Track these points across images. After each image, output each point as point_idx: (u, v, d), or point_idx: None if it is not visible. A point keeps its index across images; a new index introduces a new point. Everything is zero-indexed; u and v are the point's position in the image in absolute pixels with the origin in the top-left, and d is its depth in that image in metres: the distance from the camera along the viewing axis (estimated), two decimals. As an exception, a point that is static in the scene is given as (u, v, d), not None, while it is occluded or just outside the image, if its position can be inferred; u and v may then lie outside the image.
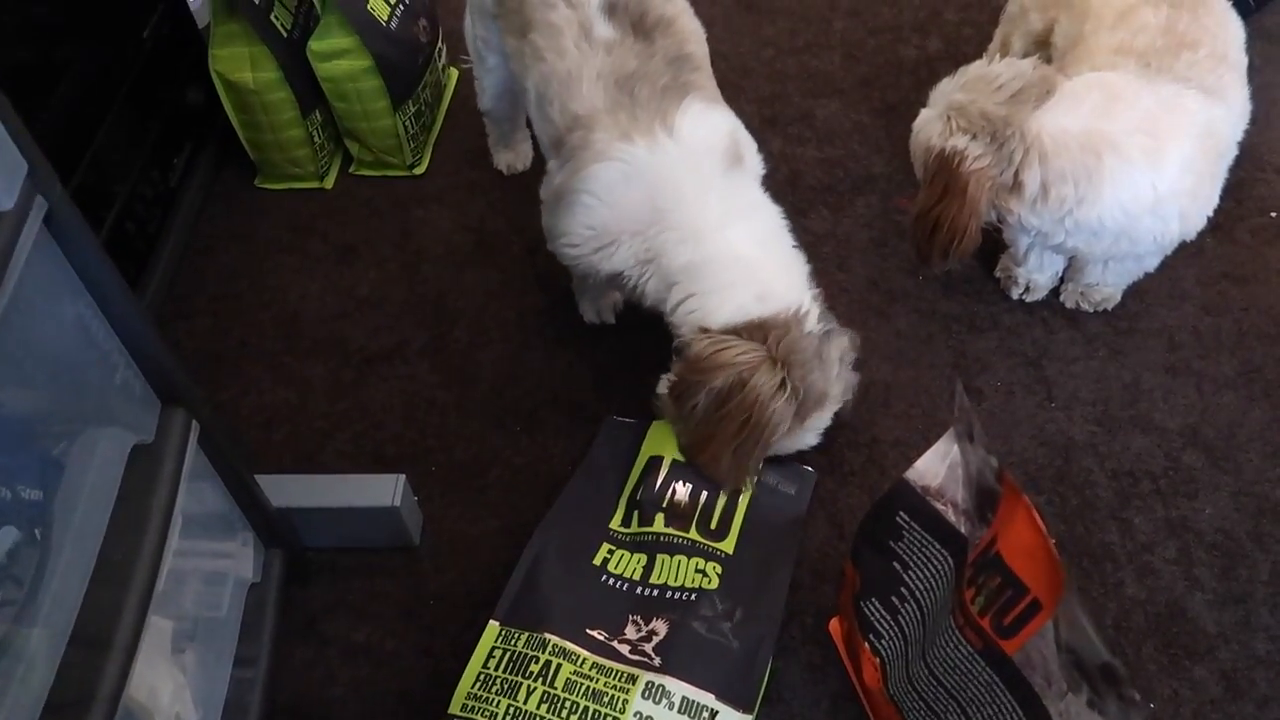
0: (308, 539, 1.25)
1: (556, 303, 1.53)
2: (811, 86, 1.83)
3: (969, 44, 1.87)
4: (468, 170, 1.73)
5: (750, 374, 1.11)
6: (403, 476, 1.23)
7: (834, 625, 1.18)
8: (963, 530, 0.91)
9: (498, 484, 1.35)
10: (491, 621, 1.12)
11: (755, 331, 1.13)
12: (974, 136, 1.22)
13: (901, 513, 0.95)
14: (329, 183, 1.72)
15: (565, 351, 1.47)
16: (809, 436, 1.24)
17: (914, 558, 0.96)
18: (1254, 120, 1.34)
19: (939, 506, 0.93)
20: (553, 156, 1.27)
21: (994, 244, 1.49)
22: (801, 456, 1.35)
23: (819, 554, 1.26)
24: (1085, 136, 1.19)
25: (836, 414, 1.26)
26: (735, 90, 1.82)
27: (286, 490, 1.20)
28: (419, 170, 1.73)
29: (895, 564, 0.97)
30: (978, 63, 1.30)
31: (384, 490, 1.21)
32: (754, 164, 1.26)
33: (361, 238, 1.64)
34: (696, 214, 1.16)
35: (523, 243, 1.61)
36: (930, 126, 1.27)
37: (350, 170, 1.74)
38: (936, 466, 0.93)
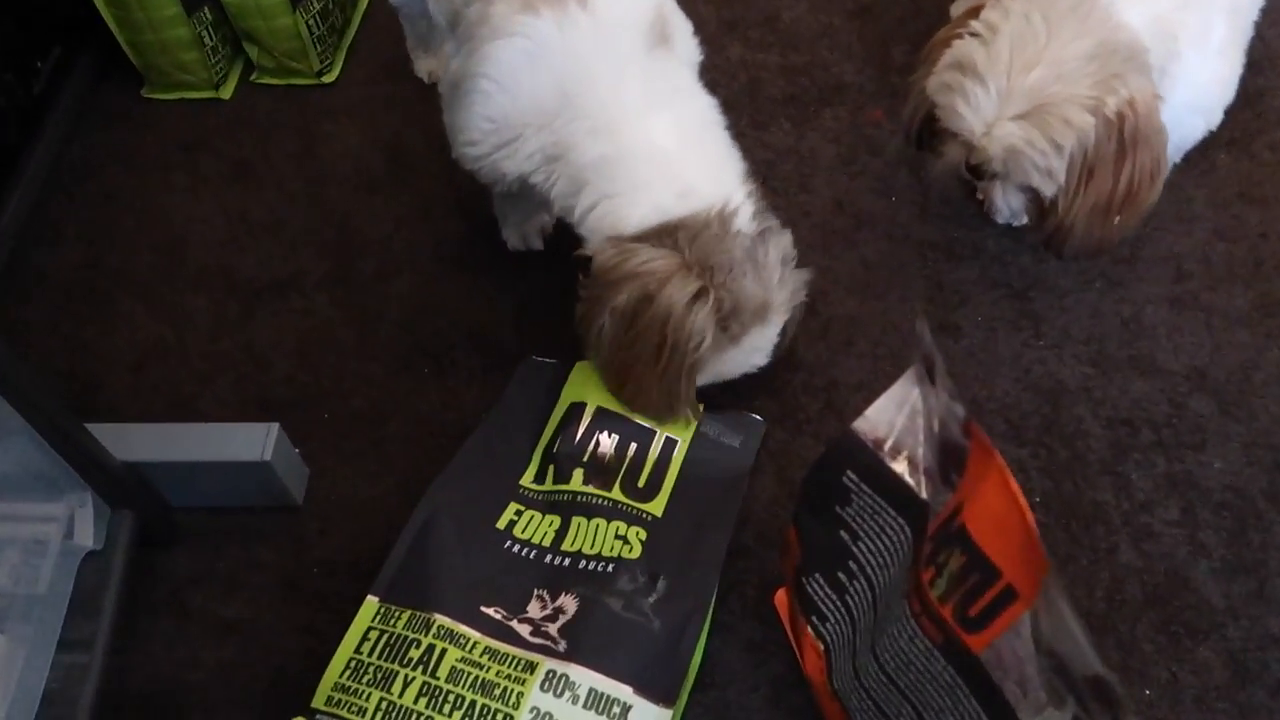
0: (175, 498, 1.08)
1: (478, 229, 1.33)
2: (777, -14, 1.61)
3: (956, -62, 1.65)
4: (385, 81, 1.52)
5: (659, 285, 0.93)
6: (276, 426, 1.04)
7: (779, 597, 1.01)
8: (923, 494, 0.74)
9: (399, 435, 1.17)
10: (369, 597, 0.95)
11: (669, 235, 0.95)
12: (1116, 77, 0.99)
13: (849, 472, 0.78)
14: (226, 92, 1.51)
15: (485, 284, 1.29)
16: (754, 357, 1.05)
17: (864, 526, 0.78)
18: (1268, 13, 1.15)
19: (894, 465, 0.75)
20: (450, 39, 1.08)
21: (978, 161, 1.30)
22: (749, 402, 1.17)
23: (766, 514, 1.09)
24: (1158, 19, 1.01)
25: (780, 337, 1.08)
26: (692, -10, 1.61)
27: (140, 442, 1.02)
28: (329, 79, 1.52)
29: (842, 533, 0.80)
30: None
31: (253, 442, 1.03)
32: (686, 48, 1.06)
33: (260, 154, 1.44)
34: (611, 100, 0.97)
35: (442, 162, 1.40)
36: (1066, 114, 0.97)
37: (251, 79, 1.53)
38: (891, 415, 0.75)
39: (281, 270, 1.31)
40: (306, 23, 1.44)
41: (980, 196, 1.32)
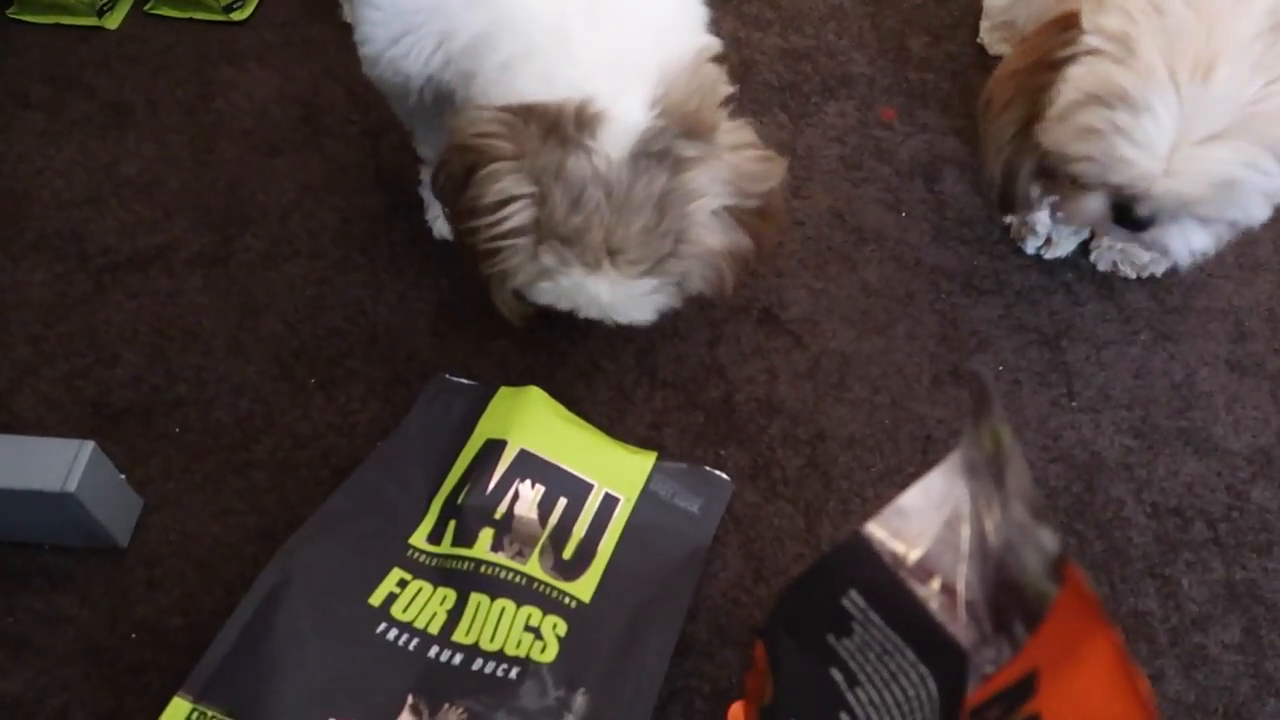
0: (-43, 527, 0.82)
1: (397, 208, 1.09)
2: (781, -42, 1.38)
3: (988, -77, 1.43)
4: (308, 24, 1.27)
5: (485, 162, 0.72)
6: (90, 445, 0.79)
7: (734, 712, 0.78)
8: (961, 638, 0.51)
9: (268, 461, 0.92)
10: (177, 696, 0.70)
11: (515, 119, 0.72)
12: None
13: (854, 591, 0.54)
14: (113, 21, 1.25)
15: (399, 277, 1.04)
16: (590, 306, 0.78)
17: (868, 669, 0.55)
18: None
19: (920, 591, 0.52)
20: None
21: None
22: (713, 450, 0.93)
23: (725, 599, 0.86)
24: None
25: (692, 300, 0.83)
26: (681, -47, 1.37)
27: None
28: (240, 16, 1.26)
29: (835, 672, 0.57)
30: None
31: (55, 464, 0.77)
32: None
33: (143, 98, 1.18)
34: None
35: (364, 124, 1.16)
36: None
37: (146, 8, 1.26)
38: (923, 519, 0.52)
39: (148, 241, 1.05)
40: (213, -56, 1.19)
41: (1009, 220, 1.10)
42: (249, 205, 1.09)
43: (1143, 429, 0.97)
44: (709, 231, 0.76)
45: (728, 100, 0.80)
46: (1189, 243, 0.81)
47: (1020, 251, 1.09)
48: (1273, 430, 0.98)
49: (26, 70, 1.20)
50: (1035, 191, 0.93)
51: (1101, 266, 1.08)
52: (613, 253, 0.74)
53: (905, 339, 1.03)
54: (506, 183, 0.72)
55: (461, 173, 0.75)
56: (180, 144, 1.14)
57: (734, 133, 0.77)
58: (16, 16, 1.24)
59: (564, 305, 0.79)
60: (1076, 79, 0.75)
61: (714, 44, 0.79)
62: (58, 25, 1.24)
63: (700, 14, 0.81)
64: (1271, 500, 0.93)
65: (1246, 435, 0.97)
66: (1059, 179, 0.83)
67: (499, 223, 0.73)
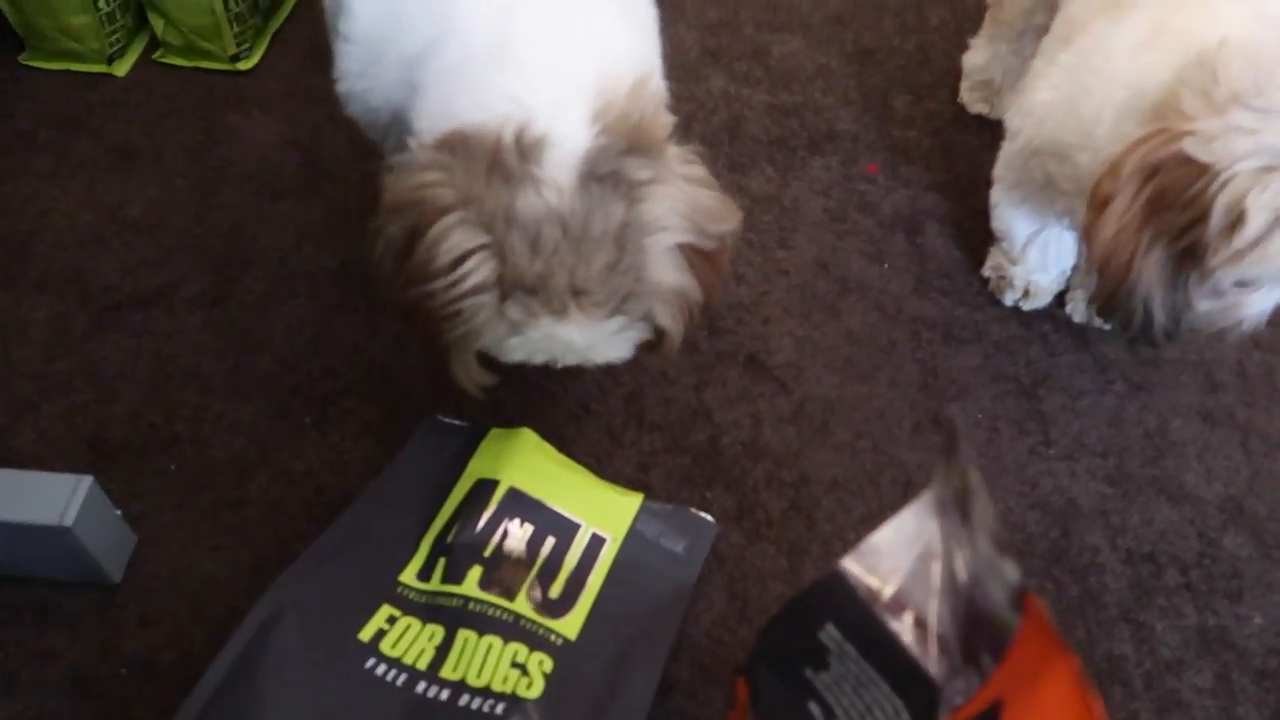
0: (-48, 559, 0.83)
1: (395, 252, 1.11)
2: (770, 18, 1.44)
3: (969, -13, 1.49)
4: (312, 73, 1.31)
5: (430, 218, 0.67)
6: (89, 480, 0.81)
7: (718, 751, 0.79)
8: (933, 670, 0.53)
9: (262, 499, 0.93)
10: (168, 730, 0.71)
11: (454, 151, 0.68)
12: None
13: (831, 626, 0.56)
14: (122, 68, 1.29)
15: (394, 319, 1.06)
16: (559, 356, 0.74)
17: (844, 702, 0.57)
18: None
19: (894, 625, 0.54)
20: None
21: (983, 232, 1.12)
22: (698, 491, 0.95)
23: (709, 639, 0.87)
24: None
25: (649, 349, 0.78)
26: (674, 11, 1.42)
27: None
28: (246, 65, 1.30)
29: (813, 706, 0.58)
30: None
31: (53, 499, 0.79)
32: None
33: (148, 143, 1.21)
34: None
35: (364, 170, 1.19)
36: None
37: (155, 56, 1.30)
38: (897, 556, 0.54)
39: (149, 281, 1.08)
40: (223, -3, 1.23)
41: (987, 273, 1.13)
42: (249, 248, 1.12)
43: (1117, 477, 1.00)
44: (668, 269, 0.71)
45: (673, 132, 0.75)
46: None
47: (999, 303, 1.12)
48: (1243, 479, 1.00)
49: (36, 114, 1.23)
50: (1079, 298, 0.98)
51: (1077, 318, 1.11)
52: (577, 294, 0.68)
53: (887, 386, 1.05)
54: (459, 237, 0.66)
55: (403, 237, 0.69)
56: (184, 187, 1.17)
57: (686, 163, 0.73)
58: (28, 62, 1.28)
59: (539, 359, 0.75)
60: (1264, 202, 0.73)
61: (657, 72, 0.77)
62: (68, 71, 1.28)
63: (652, 48, 0.79)
64: (1242, 547, 0.96)
65: (1218, 484, 1.00)
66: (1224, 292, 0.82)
67: (457, 282, 0.67)
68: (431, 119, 0.70)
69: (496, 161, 0.66)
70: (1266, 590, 0.93)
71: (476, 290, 0.67)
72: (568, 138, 0.67)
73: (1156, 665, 0.88)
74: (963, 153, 1.28)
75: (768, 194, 1.22)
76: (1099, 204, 0.81)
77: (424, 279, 0.68)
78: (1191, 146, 0.75)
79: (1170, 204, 0.77)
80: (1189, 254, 0.79)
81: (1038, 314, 1.12)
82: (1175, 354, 1.09)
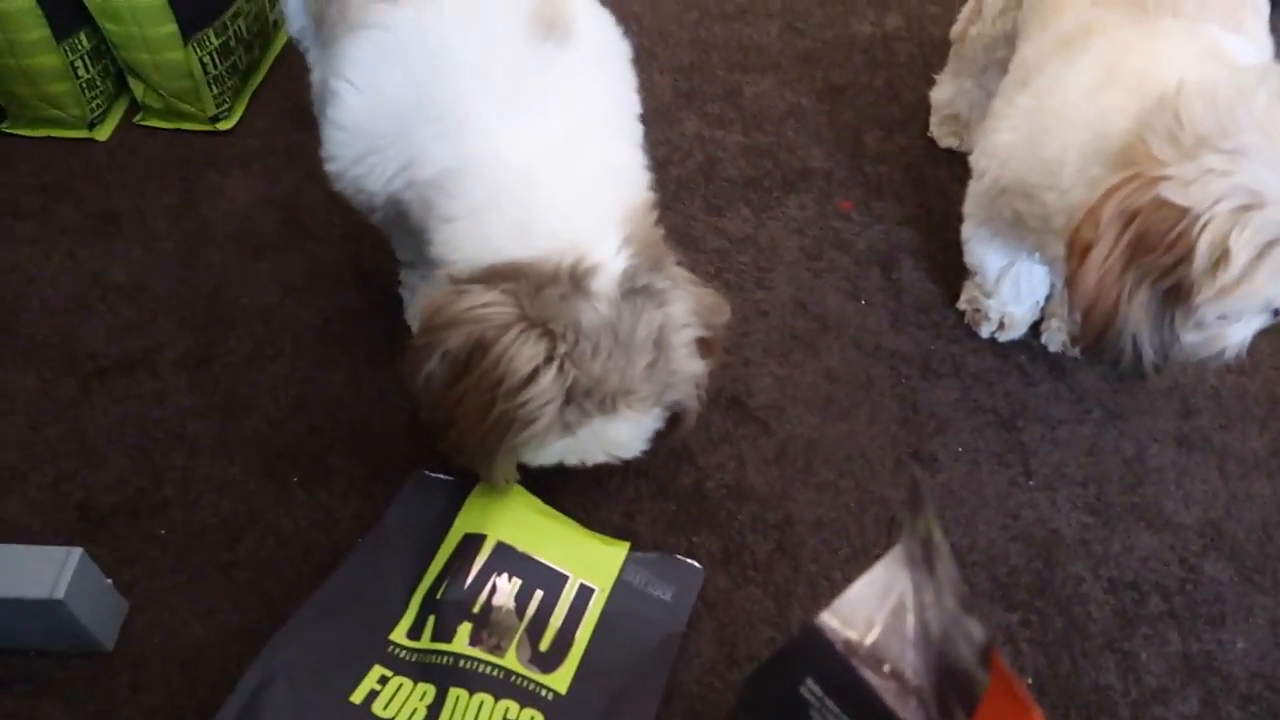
0: (-58, 634, 0.84)
1: (376, 306, 1.13)
2: (742, 60, 1.47)
3: (935, 23, 1.52)
4: (290, 131, 1.33)
5: (496, 333, 0.73)
6: (78, 552, 0.81)
7: (712, 799, 0.79)
8: (911, 722, 0.54)
9: (251, 560, 0.94)
10: (162, 801, 0.71)
11: (505, 281, 0.75)
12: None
13: (810, 680, 0.57)
14: (104, 133, 1.30)
15: (379, 375, 1.08)
16: (600, 454, 0.82)
17: (828, 755, 0.57)
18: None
19: (872, 678, 0.55)
20: (315, 47, 0.93)
21: (957, 265, 1.14)
22: (685, 537, 0.96)
23: (699, 685, 0.88)
24: None
25: (667, 431, 0.86)
26: (648, 57, 1.45)
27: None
28: (225, 125, 1.32)
29: (798, 758, 0.59)
30: None
31: (43, 572, 0.79)
32: (592, 41, 0.84)
33: (131, 206, 1.23)
34: (464, 95, 0.78)
35: (345, 226, 1.21)
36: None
37: (136, 120, 1.32)
38: (871, 609, 0.55)
39: (134, 345, 1.09)
40: (201, 59, 1.25)
41: (963, 306, 1.15)
42: (233, 307, 1.13)
43: (1097, 505, 1.01)
44: (690, 359, 0.81)
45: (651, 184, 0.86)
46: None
47: (975, 335, 1.14)
48: (1221, 503, 1.02)
49: (19, 181, 1.25)
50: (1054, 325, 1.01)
51: (1053, 348, 1.13)
52: (626, 393, 0.77)
53: (868, 423, 1.07)
54: (531, 349, 0.73)
55: (469, 346, 0.74)
56: (167, 250, 1.19)
57: (681, 268, 0.83)
58: (10, 130, 1.30)
59: (572, 460, 0.82)
60: (1245, 240, 0.76)
61: (648, 188, 0.85)
62: (49, 137, 1.30)
63: (641, 161, 0.85)
64: (1223, 572, 0.97)
65: (1196, 509, 1.01)
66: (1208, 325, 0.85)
67: (529, 390, 0.73)
68: (469, 252, 0.77)
69: (555, 286, 0.74)
70: (1248, 614, 0.94)
71: (547, 397, 0.74)
72: (608, 263, 0.76)
73: (1143, 694, 0.89)
74: (934, 186, 1.30)
75: (744, 234, 1.24)
76: (1080, 251, 0.83)
77: (491, 388, 0.74)
78: (1168, 191, 0.78)
79: (1152, 247, 0.80)
80: (1174, 292, 0.82)
81: (1014, 345, 1.14)
82: (1151, 382, 1.11)
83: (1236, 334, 0.90)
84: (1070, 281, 0.85)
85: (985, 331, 1.13)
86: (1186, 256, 0.78)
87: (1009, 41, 1.17)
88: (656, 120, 1.36)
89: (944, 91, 1.32)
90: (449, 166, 0.78)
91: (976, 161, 1.01)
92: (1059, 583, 0.96)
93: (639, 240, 0.77)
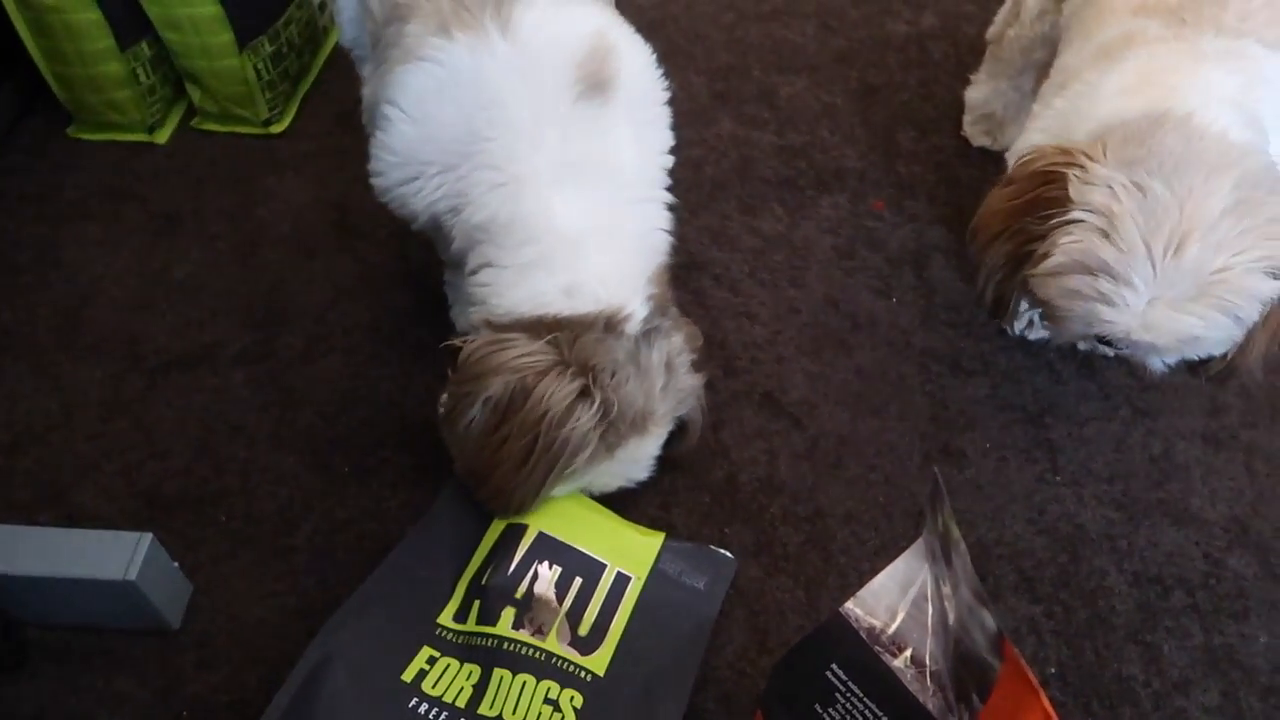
0: (23, 612, 0.90)
1: (424, 305, 1.18)
2: (777, 60, 1.49)
3: (970, 22, 1.54)
4: (340, 134, 1.38)
5: (537, 378, 0.82)
6: (149, 537, 0.87)
7: (743, 778, 0.83)
8: (930, 706, 0.57)
9: (307, 547, 0.99)
10: (230, 770, 0.77)
11: (545, 330, 0.84)
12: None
13: (835, 665, 0.61)
14: (163, 136, 1.37)
15: (427, 370, 1.12)
16: (631, 470, 0.93)
17: (851, 735, 0.61)
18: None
19: (894, 663, 0.58)
20: (370, 60, 0.98)
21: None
22: (718, 530, 1.00)
23: (732, 670, 0.92)
24: (1242, 110, 0.88)
25: (675, 438, 0.96)
26: (685, 59, 1.49)
27: (-21, 547, 0.85)
28: (278, 129, 1.37)
29: (823, 738, 0.63)
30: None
31: (117, 556, 0.85)
32: (636, 89, 0.90)
33: (191, 207, 1.29)
34: (524, 153, 0.85)
35: (392, 227, 1.26)
36: (1244, 285, 0.81)
37: (192, 124, 1.38)
38: (893, 598, 0.59)
39: (195, 341, 1.15)
40: (255, 66, 1.30)
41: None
42: (288, 305, 1.18)
43: (1123, 501, 1.03)
44: (690, 376, 0.92)
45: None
46: (1166, 363, 0.90)
47: (1004, 333, 1.16)
48: (1247, 500, 1.03)
49: (85, 184, 1.31)
50: (1024, 306, 1.04)
51: (1082, 346, 1.15)
52: (650, 413, 0.87)
53: (898, 419, 1.10)
54: (569, 384, 0.82)
55: (512, 392, 0.82)
56: (225, 249, 1.24)
57: (674, 307, 0.94)
58: (75, 134, 1.36)
59: (597, 487, 0.93)
60: (1066, 247, 0.83)
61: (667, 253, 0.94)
62: (112, 141, 1.36)
63: (667, 222, 0.93)
64: (1247, 567, 0.99)
65: (1222, 505, 1.03)
66: (1048, 312, 0.91)
67: (573, 421, 0.82)
68: (513, 302, 0.85)
69: (591, 333, 0.83)
70: (1272, 609, 0.96)
71: (589, 424, 0.83)
72: (636, 313, 0.87)
73: (1165, 685, 0.92)
74: (967, 185, 1.32)
75: (778, 234, 1.27)
76: (1004, 182, 0.91)
77: (534, 424, 0.82)
78: (1074, 177, 0.84)
79: (1035, 210, 0.87)
80: (1024, 259, 0.89)
81: (1043, 343, 1.16)
82: (1179, 379, 1.12)
83: (1038, 333, 1.04)
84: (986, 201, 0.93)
85: (1015, 330, 1.16)
86: (1044, 235, 0.85)
87: (1046, 43, 1.19)
88: (692, 121, 1.39)
89: (979, 92, 1.34)
90: (501, 219, 0.85)
91: (1010, 162, 1.03)
92: (1083, 576, 0.98)
93: (657, 295, 0.89)
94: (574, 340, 0.82)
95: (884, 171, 1.34)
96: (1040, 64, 1.23)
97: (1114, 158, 0.83)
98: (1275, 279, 0.80)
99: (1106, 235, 0.81)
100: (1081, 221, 0.82)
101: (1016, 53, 1.26)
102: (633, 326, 0.86)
